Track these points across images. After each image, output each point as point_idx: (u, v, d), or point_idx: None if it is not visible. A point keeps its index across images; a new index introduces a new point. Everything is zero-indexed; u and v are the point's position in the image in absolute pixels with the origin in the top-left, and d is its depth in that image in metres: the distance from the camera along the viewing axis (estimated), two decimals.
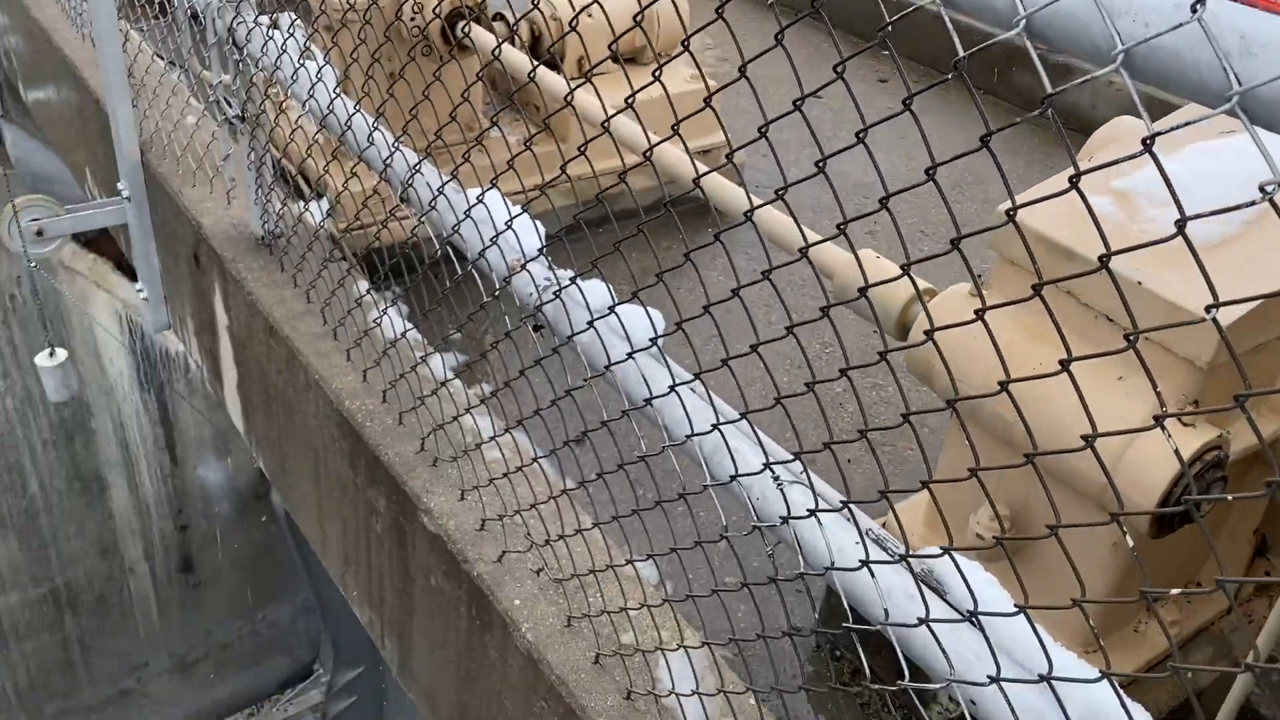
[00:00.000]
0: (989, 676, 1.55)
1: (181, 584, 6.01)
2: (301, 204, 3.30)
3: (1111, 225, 2.57)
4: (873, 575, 1.73)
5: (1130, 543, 1.36)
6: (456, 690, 2.86)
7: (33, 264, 3.57)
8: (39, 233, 3.47)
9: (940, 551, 1.60)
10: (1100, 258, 1.24)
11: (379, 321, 2.96)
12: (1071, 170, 1.21)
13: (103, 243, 5.24)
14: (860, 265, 1.68)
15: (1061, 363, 1.33)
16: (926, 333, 1.49)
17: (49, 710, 5.87)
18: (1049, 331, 2.40)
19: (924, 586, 1.74)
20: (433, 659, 2.93)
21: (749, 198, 1.71)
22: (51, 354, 3.54)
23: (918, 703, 1.73)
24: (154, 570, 5.87)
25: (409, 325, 3.00)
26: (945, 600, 1.77)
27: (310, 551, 6.04)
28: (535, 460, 2.51)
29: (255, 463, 5.75)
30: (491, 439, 2.63)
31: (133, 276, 4.96)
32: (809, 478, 1.85)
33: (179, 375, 5.17)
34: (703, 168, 1.91)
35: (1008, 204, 1.31)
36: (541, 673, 2.43)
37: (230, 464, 5.80)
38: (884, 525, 2.06)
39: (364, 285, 3.15)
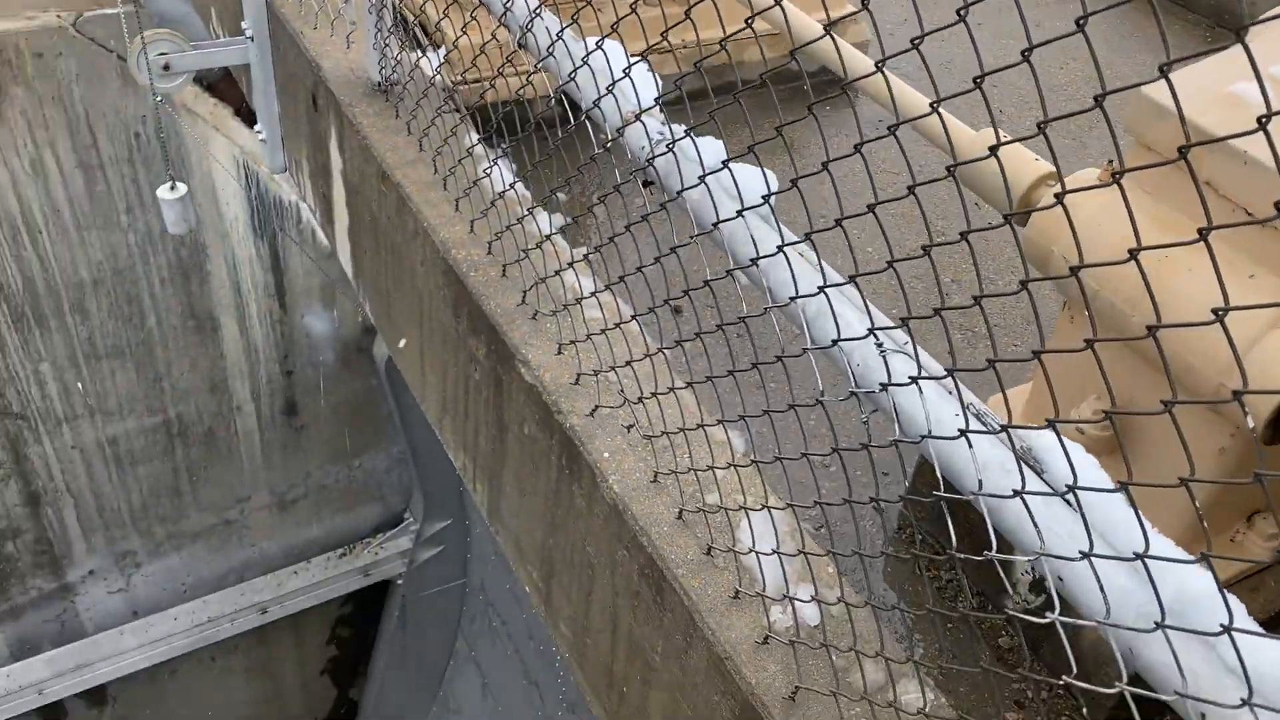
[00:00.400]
0: (1081, 552, 1.53)
1: (285, 426, 6.27)
2: (418, 52, 3.30)
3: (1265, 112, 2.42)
4: (970, 445, 1.71)
5: (1251, 423, 1.31)
6: (542, 535, 2.95)
7: (158, 98, 3.65)
8: (165, 67, 3.54)
9: (1046, 423, 1.56)
10: (1260, 118, 1.17)
11: (488, 172, 2.97)
12: (1225, 62, 1.13)
13: (224, 88, 5.34)
14: (994, 124, 1.61)
15: (1200, 231, 1.27)
16: (1057, 195, 1.44)
17: (158, 532, 6.25)
18: (1180, 224, 2.29)
19: (1022, 464, 1.71)
20: (521, 505, 3.02)
21: (881, 46, 1.65)
22: (172, 187, 3.65)
23: (1003, 574, 1.73)
24: (259, 410, 6.13)
25: (517, 179, 3.01)
26: (1042, 479, 1.75)
27: (406, 406, 6.23)
28: (634, 318, 2.52)
29: (359, 316, 5.92)
30: (592, 294, 2.65)
31: (251, 123, 5.06)
32: (914, 346, 1.83)
33: (291, 224, 5.30)
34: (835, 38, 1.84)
35: (1155, 81, 1.23)
36: (625, 523, 2.49)
37: (336, 315, 5.97)
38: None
39: (474, 136, 3.16)
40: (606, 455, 2.58)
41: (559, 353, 2.73)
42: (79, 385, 5.41)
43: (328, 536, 6.82)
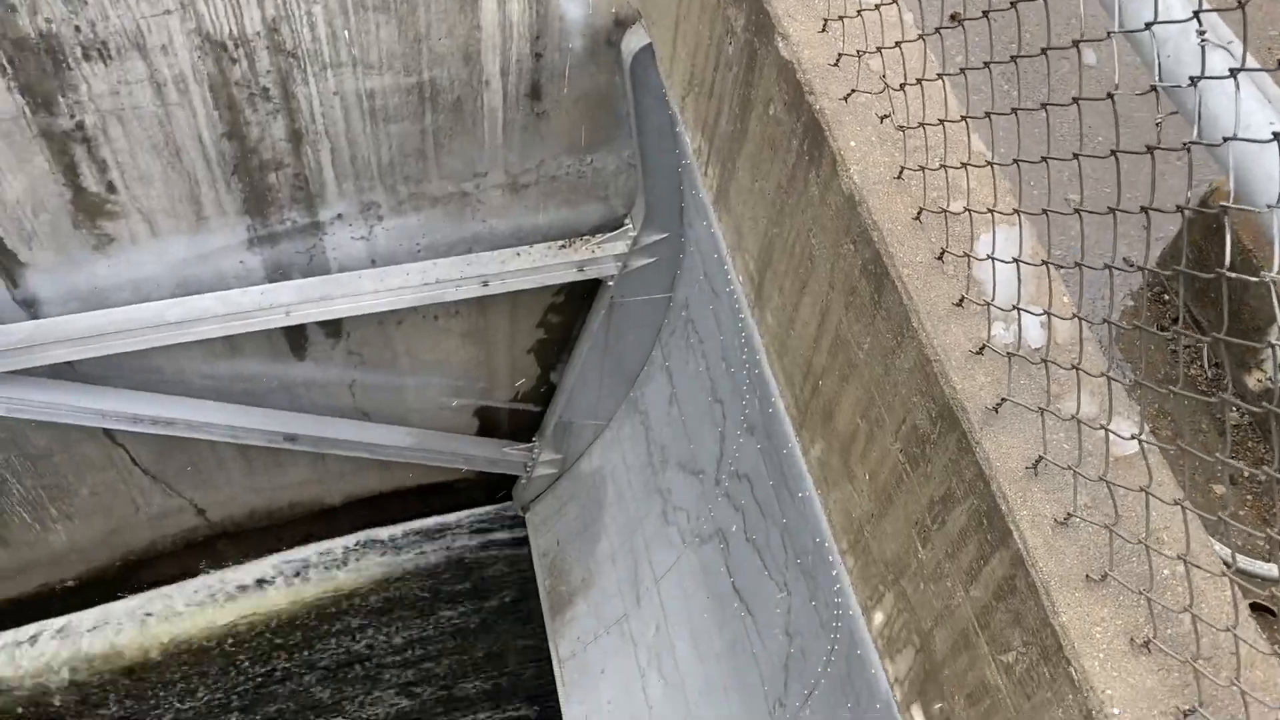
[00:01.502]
0: None
1: (527, 109, 6.38)
2: None
3: None
4: None
5: None
6: (766, 224, 2.92)
7: None
8: None
9: None
10: None
11: None
12: None
13: None
14: None
15: None
16: None
17: (401, 190, 6.65)
18: None
19: None
20: (751, 191, 2.99)
21: None
22: None
23: (1276, 301, 1.57)
24: (505, 89, 6.24)
25: None
26: None
27: (645, 109, 6.21)
28: None
29: (613, 7, 5.81)
30: None
31: None
32: (1245, 35, 1.60)
33: None
34: None
35: None
36: (858, 216, 2.42)
37: (590, 1, 5.88)
38: None
39: None
40: (853, 144, 2.48)
41: (822, 30, 2.58)
42: (345, 34, 5.63)
43: (551, 226, 7.06)
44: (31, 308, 6.08)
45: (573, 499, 7.90)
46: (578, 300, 7.25)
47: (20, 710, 7.56)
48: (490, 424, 7.84)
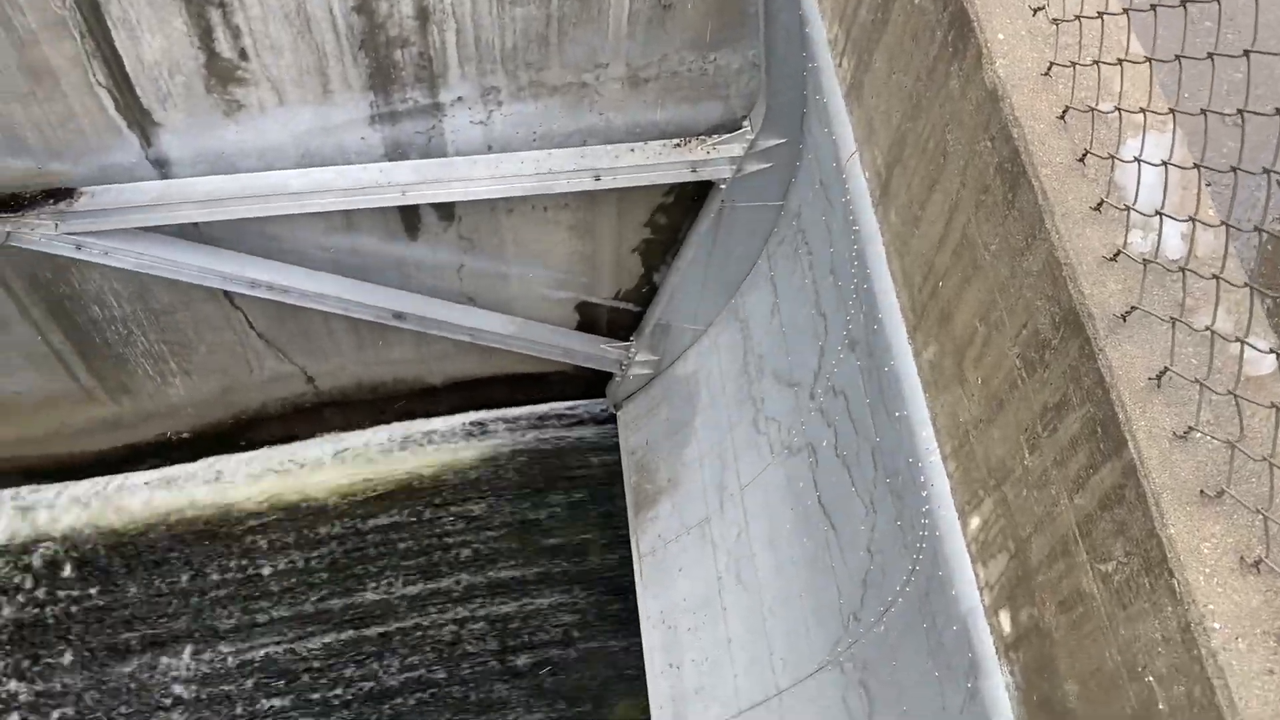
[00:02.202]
0: None
1: (654, 0, 6.28)
2: None
3: None
4: None
5: None
6: (900, 118, 2.85)
7: None
8: None
9: None
10: None
11: None
12: None
13: None
14: None
15: None
16: None
17: (522, 76, 6.64)
18: None
19: None
20: (887, 83, 2.91)
21: None
22: None
23: None
24: None
25: None
26: None
27: (774, 7, 6.04)
28: None
29: None
30: None
31: None
32: None
33: None
34: None
35: None
36: (999, 112, 2.34)
37: None
38: None
39: None
40: (1000, 37, 2.39)
41: None
42: None
43: (668, 124, 7.00)
44: (163, 168, 6.31)
45: (665, 400, 7.98)
46: (687, 201, 7.20)
47: (129, 541, 8.11)
48: (590, 319, 7.93)
